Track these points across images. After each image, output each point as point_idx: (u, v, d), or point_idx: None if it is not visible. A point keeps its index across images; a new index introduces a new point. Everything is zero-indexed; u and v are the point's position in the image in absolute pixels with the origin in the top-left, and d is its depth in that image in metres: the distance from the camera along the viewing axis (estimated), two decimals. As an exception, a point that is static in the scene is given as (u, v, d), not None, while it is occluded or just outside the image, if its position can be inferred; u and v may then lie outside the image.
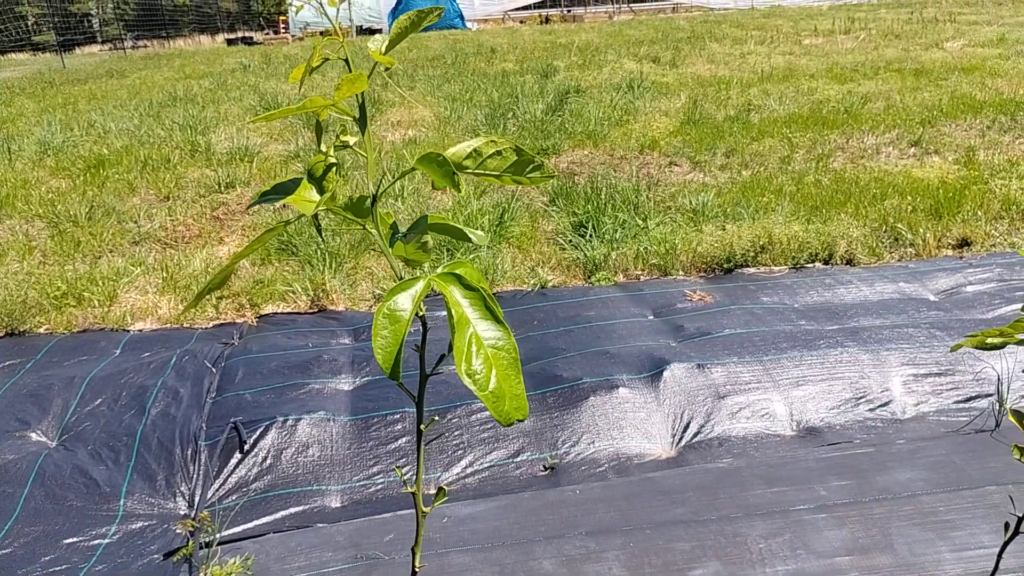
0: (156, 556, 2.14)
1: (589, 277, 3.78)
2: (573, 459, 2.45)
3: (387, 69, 0.86)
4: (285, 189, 0.81)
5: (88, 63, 17.11)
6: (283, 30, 25.03)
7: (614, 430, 2.52)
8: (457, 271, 0.75)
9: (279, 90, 9.56)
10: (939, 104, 6.54)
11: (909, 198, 4.34)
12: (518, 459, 2.45)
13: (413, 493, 0.88)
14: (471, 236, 0.87)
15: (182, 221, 4.75)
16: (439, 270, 0.77)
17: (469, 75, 9.73)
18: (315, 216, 0.86)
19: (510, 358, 0.71)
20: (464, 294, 0.74)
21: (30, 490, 2.36)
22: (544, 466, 2.43)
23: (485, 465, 2.44)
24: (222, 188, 5.28)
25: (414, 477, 0.89)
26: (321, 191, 0.82)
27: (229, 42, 22.81)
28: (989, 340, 1.38)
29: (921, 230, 3.93)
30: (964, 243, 3.91)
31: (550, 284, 3.71)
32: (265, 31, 27.70)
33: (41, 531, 2.23)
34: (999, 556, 1.24)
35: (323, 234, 4.17)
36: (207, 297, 3.68)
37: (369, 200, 0.82)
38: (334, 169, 0.82)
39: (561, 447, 2.48)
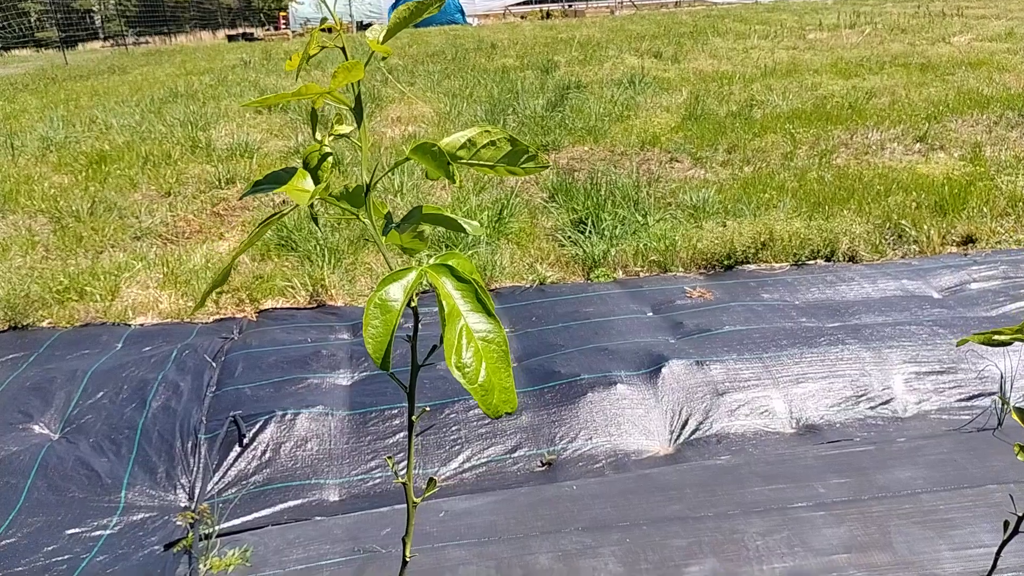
0: (156, 547, 2.15)
1: (588, 274, 3.77)
2: (570, 455, 2.44)
3: (383, 59, 0.86)
4: (279, 179, 0.81)
5: (90, 59, 17.12)
6: (283, 26, 25.02)
7: (612, 426, 2.52)
8: (449, 262, 0.75)
9: (279, 86, 9.56)
10: (945, 99, 6.51)
11: (913, 194, 4.33)
12: (515, 455, 2.45)
13: (404, 484, 0.88)
14: (465, 226, 0.86)
15: (183, 216, 4.75)
16: (431, 261, 0.76)
17: (469, 71, 9.72)
18: (311, 207, 0.86)
19: (500, 351, 0.71)
20: (456, 286, 0.73)
21: (33, 481, 2.37)
22: (541, 462, 2.42)
23: (482, 460, 2.44)
24: (222, 184, 5.28)
25: (405, 468, 0.89)
26: (316, 181, 0.82)
27: (230, 38, 22.80)
28: (996, 337, 1.36)
29: (925, 227, 3.91)
30: (969, 240, 3.89)
31: (549, 280, 3.70)
32: (266, 27, 27.70)
33: (44, 522, 2.24)
34: (997, 554, 1.23)
35: (322, 229, 4.17)
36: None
37: (364, 190, 0.81)
38: (329, 159, 0.81)
39: (559, 443, 2.47)
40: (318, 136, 0.84)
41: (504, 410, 0.69)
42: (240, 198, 4.97)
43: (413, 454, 0.88)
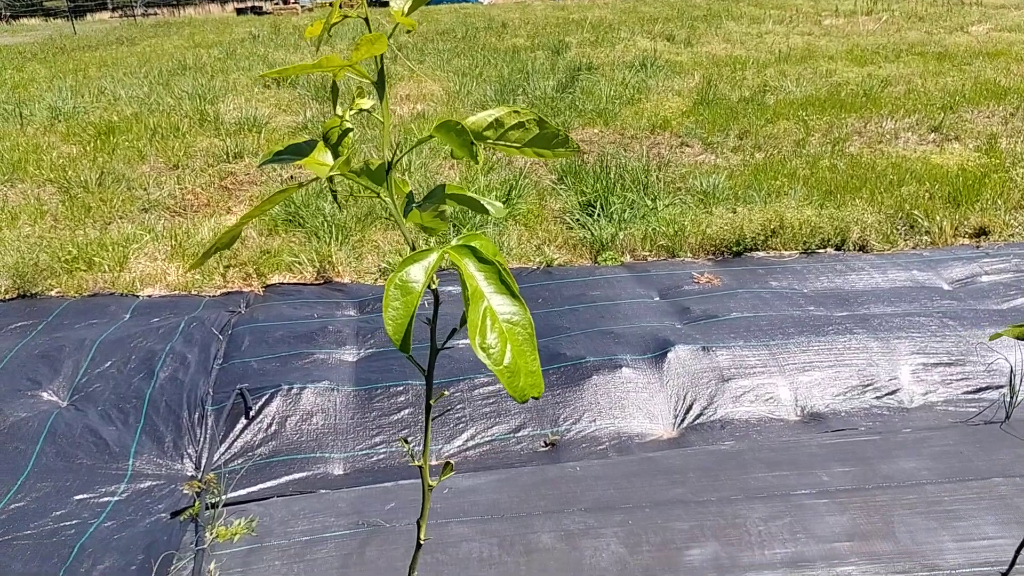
0: (163, 515, 2.17)
1: (596, 257, 3.76)
2: (574, 436, 2.45)
3: (407, 32, 0.84)
4: (299, 151, 0.80)
5: (99, 30, 17.00)
6: (292, 0, 24.77)
7: (616, 409, 2.52)
8: (472, 244, 0.74)
9: (288, 60, 9.49)
10: (961, 89, 6.44)
11: (927, 185, 4.29)
12: (519, 434, 2.46)
13: (420, 467, 0.88)
14: (488, 207, 0.85)
15: (191, 190, 4.75)
16: (454, 242, 0.76)
17: (479, 50, 9.63)
18: (330, 180, 0.85)
19: (526, 333, 0.70)
20: (479, 267, 0.73)
21: (42, 448, 2.40)
22: (545, 442, 2.44)
23: (487, 439, 2.45)
24: (230, 158, 5.26)
25: (419, 448, 0.89)
26: (336, 155, 0.81)
27: (239, 11, 22.61)
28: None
29: (938, 218, 3.88)
30: (981, 232, 3.86)
31: (556, 263, 3.69)
32: (274, 1, 27.41)
33: (52, 487, 2.26)
34: (1017, 552, 1.23)
35: (340, 204, 4.16)
36: (215, 265, 3.68)
37: (385, 167, 0.80)
38: (350, 134, 0.81)
39: (563, 424, 2.48)
40: (339, 111, 0.83)
41: (531, 394, 0.68)
42: (258, 166, 4.96)
43: (430, 437, 0.88)
